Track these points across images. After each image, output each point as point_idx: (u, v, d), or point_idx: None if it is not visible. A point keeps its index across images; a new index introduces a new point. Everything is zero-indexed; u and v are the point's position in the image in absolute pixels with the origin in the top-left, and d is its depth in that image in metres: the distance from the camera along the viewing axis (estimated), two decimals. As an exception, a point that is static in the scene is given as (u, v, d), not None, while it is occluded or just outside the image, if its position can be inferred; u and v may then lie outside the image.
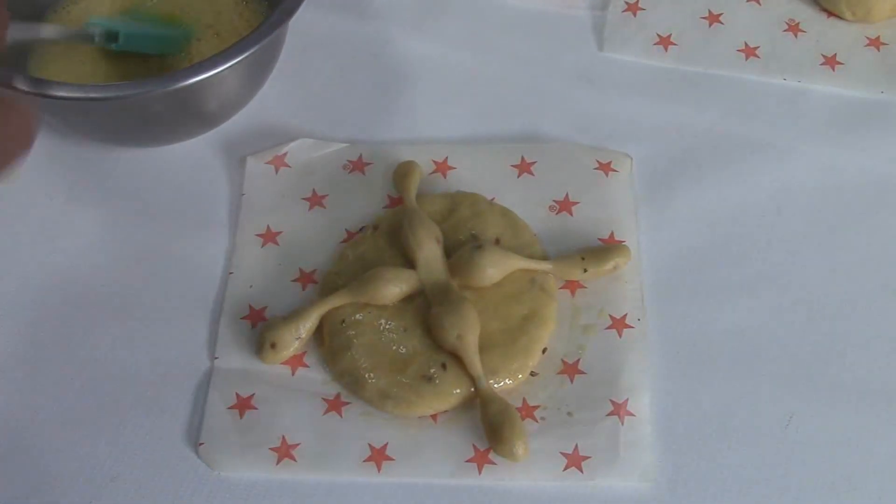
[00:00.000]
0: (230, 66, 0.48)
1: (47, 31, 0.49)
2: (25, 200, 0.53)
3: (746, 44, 0.58)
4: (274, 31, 0.49)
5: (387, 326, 0.47)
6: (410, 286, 0.48)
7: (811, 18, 0.60)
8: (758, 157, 0.54)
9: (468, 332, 0.46)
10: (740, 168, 0.54)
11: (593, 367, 0.47)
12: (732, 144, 0.55)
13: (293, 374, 0.47)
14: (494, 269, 0.48)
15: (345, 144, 0.55)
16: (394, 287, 0.47)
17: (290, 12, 0.50)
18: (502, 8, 0.61)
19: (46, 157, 0.55)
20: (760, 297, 0.50)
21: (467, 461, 0.44)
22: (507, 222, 0.51)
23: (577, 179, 0.53)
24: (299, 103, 0.57)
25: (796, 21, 0.60)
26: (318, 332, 0.48)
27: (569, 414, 0.45)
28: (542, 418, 0.45)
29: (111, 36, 0.51)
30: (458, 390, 0.45)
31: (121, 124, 0.52)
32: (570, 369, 0.47)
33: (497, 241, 0.50)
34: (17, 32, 0.46)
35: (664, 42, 0.59)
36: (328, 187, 0.53)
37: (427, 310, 0.47)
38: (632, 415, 0.45)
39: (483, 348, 0.46)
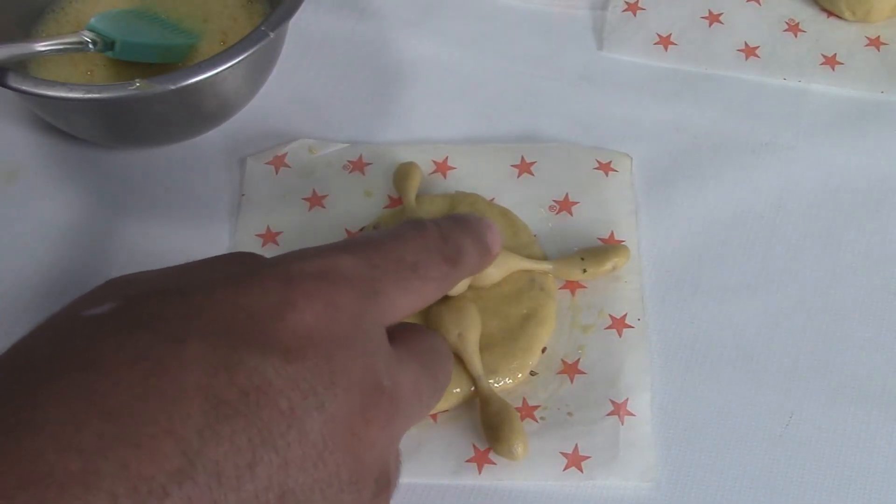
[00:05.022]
0: (230, 66, 0.48)
1: (40, 46, 0.48)
2: (25, 200, 0.53)
3: (746, 44, 0.58)
4: (274, 30, 0.49)
5: (387, 326, 0.47)
6: (410, 286, 0.48)
7: (811, 18, 0.60)
8: (758, 157, 0.54)
9: (469, 331, 0.46)
10: (740, 168, 0.54)
11: (593, 367, 0.47)
12: (732, 144, 0.55)
13: (293, 374, 0.47)
14: (495, 269, 0.47)
15: (345, 145, 0.55)
16: (394, 287, 0.47)
17: (290, 12, 0.50)
18: (502, 8, 0.61)
19: (46, 157, 0.55)
20: (760, 297, 0.50)
21: (467, 461, 0.44)
22: (506, 222, 0.51)
23: (576, 179, 0.53)
24: (299, 103, 0.57)
25: (796, 21, 0.60)
26: (318, 332, 0.48)
27: (569, 414, 0.46)
28: (542, 418, 0.45)
29: (107, 44, 0.51)
30: (458, 389, 0.45)
31: (121, 124, 0.52)
32: (570, 369, 0.47)
33: (497, 241, 0.50)
34: (7, 52, 0.46)
35: (664, 42, 0.59)
36: (328, 188, 0.53)
37: (427, 309, 0.47)
38: (632, 415, 0.45)
39: (483, 348, 0.46)
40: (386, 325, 0.33)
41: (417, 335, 0.36)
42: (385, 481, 0.31)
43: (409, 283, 0.34)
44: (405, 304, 0.34)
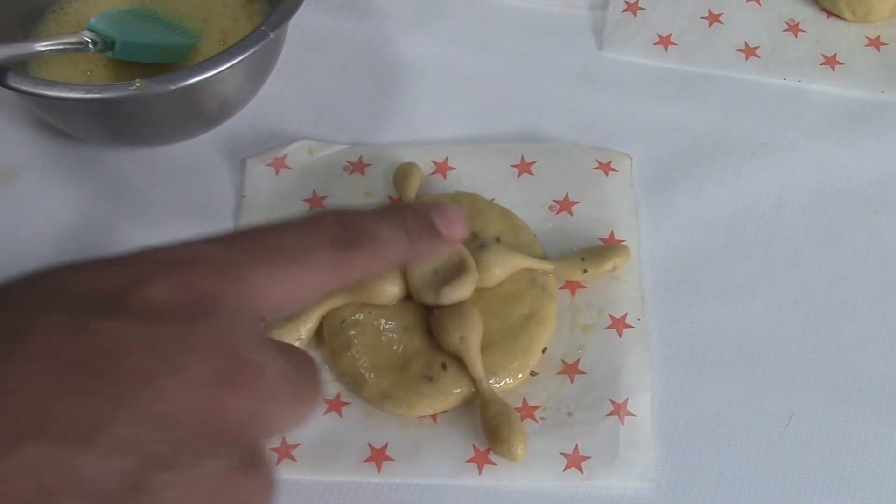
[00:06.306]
0: (230, 66, 0.48)
1: (41, 46, 0.48)
2: (25, 200, 0.53)
3: (746, 44, 0.58)
4: (274, 30, 0.49)
5: (387, 326, 0.47)
6: (410, 286, 0.48)
7: (811, 18, 0.60)
8: (758, 157, 0.54)
9: (471, 333, 0.46)
10: (740, 168, 0.54)
11: (593, 367, 0.47)
12: (732, 144, 0.55)
13: (293, 375, 0.47)
14: (500, 268, 0.47)
15: (345, 146, 0.55)
16: (393, 286, 0.47)
17: (290, 12, 0.50)
18: (502, 8, 0.61)
19: (46, 157, 0.55)
20: (760, 297, 0.50)
21: (467, 461, 0.45)
22: (507, 222, 0.51)
23: (576, 179, 0.53)
24: (299, 104, 0.57)
25: (796, 21, 0.59)
26: (318, 333, 0.48)
27: (569, 414, 0.46)
28: (542, 418, 0.45)
29: (107, 44, 0.51)
30: (458, 390, 0.45)
31: (121, 124, 0.52)
32: (570, 369, 0.47)
33: (497, 241, 0.50)
34: (7, 52, 0.46)
35: (664, 42, 0.59)
36: (328, 189, 0.53)
37: (427, 310, 0.47)
38: (632, 415, 0.45)
39: (483, 348, 0.46)
40: (258, 311, 0.33)
41: (290, 346, 0.36)
42: (255, 455, 0.31)
43: (283, 269, 0.33)
44: (279, 289, 0.33)
